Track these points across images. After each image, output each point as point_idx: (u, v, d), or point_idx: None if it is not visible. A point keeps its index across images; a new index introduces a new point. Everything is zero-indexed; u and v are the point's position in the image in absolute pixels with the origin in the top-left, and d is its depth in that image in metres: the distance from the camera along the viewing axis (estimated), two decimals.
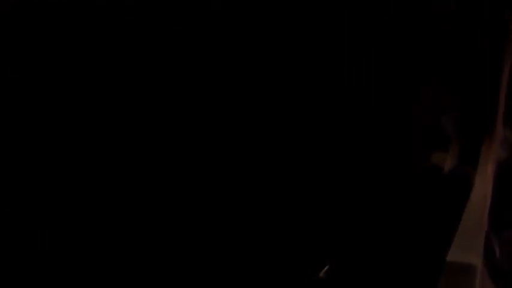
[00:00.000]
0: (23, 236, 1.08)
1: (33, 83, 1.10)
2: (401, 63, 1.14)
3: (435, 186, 1.10)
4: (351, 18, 1.12)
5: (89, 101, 1.12)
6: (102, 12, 1.10)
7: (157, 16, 1.12)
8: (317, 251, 1.10)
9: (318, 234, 1.11)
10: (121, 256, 1.10)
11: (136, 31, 1.11)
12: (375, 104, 1.14)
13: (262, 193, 1.13)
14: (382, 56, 1.14)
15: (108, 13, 1.11)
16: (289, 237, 1.12)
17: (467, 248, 0.99)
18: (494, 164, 1.08)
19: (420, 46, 1.13)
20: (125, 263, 1.10)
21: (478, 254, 1.00)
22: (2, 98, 1.09)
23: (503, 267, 1.08)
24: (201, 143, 1.14)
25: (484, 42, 1.11)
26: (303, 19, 1.12)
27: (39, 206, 1.09)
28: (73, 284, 1.08)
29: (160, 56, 1.13)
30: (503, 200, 1.10)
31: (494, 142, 1.09)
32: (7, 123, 1.09)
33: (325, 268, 1.06)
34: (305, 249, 1.11)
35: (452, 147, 1.11)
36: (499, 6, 1.09)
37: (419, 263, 1.06)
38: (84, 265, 1.09)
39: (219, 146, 1.13)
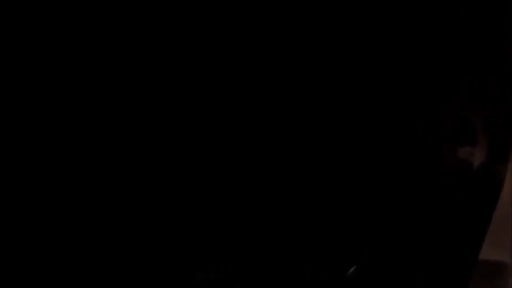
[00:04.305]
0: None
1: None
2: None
3: (464, 182, 1.08)
4: None
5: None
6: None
7: None
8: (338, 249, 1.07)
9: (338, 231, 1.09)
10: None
11: None
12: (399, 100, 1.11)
13: None
14: None
15: None
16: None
17: (499, 246, 0.99)
18: None
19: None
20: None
21: (510, 252, 1.00)
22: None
23: None
24: None
25: None
26: None
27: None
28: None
29: None
30: None
31: None
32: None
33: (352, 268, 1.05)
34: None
35: (480, 142, 1.09)
36: None
37: (450, 261, 1.05)
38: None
39: None
